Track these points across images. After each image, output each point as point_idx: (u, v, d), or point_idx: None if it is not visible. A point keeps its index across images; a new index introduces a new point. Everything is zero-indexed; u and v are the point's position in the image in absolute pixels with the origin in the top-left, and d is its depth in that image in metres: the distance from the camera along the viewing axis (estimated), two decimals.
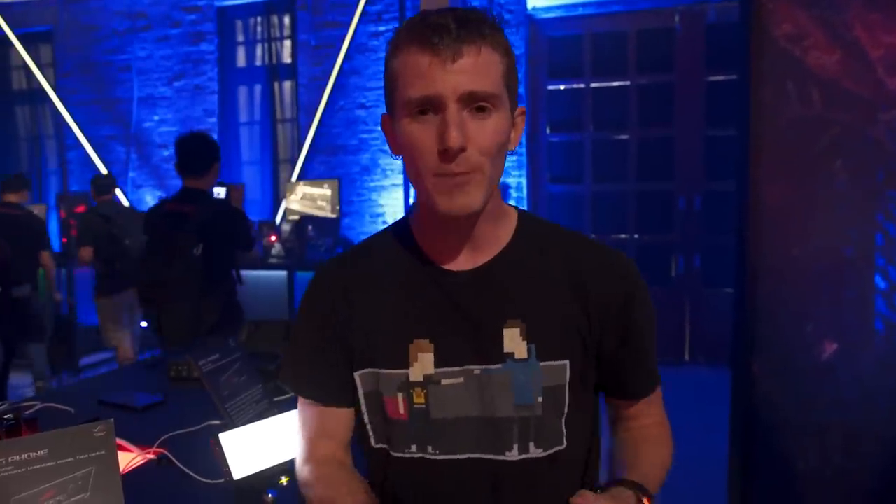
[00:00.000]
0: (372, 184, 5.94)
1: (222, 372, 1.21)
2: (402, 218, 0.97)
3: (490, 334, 0.86)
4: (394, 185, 5.97)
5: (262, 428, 1.10)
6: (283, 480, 1.07)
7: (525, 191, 5.56)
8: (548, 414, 0.87)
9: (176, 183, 6.47)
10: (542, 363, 0.86)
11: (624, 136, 5.50)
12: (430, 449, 0.87)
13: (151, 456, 1.15)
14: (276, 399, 1.27)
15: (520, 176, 5.55)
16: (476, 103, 0.77)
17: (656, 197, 5.43)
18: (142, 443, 1.18)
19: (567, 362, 0.87)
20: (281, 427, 1.13)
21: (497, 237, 0.89)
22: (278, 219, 5.93)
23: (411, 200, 5.97)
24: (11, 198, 4.46)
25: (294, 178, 5.99)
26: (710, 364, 4.94)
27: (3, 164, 6.78)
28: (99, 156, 6.59)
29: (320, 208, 5.62)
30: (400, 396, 0.88)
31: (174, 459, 1.12)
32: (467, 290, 0.87)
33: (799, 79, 1.94)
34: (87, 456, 0.79)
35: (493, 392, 0.86)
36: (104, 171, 6.51)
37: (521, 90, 5.44)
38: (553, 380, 0.87)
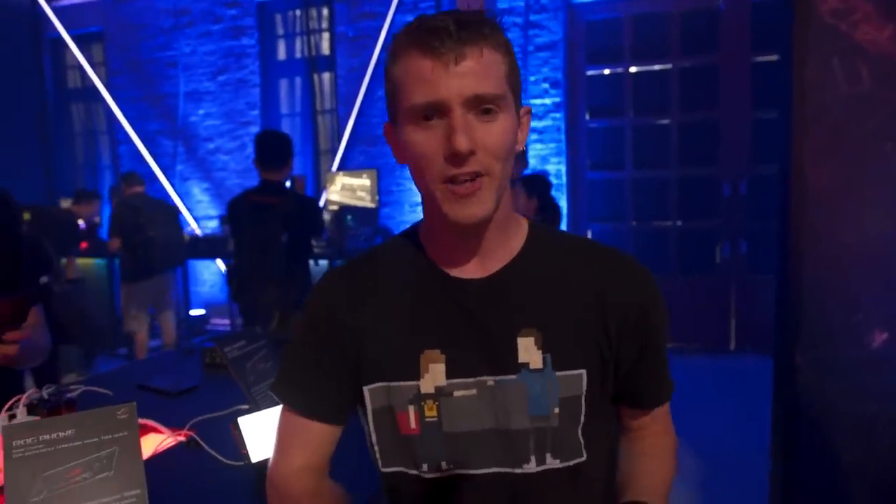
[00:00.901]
0: (409, 179, 5.96)
1: (248, 358, 1.24)
2: (411, 226, 0.94)
3: (504, 344, 0.83)
4: None
5: (279, 412, 1.12)
6: None
7: (564, 178, 5.49)
8: (565, 425, 0.84)
9: (220, 175, 6.66)
10: (559, 373, 0.83)
11: (665, 121, 5.36)
12: (443, 465, 0.85)
13: (182, 438, 1.19)
14: None
15: (559, 163, 5.48)
16: (481, 106, 0.75)
17: (699, 182, 5.28)
18: (174, 425, 1.22)
19: (584, 371, 0.84)
20: None
21: (509, 245, 0.87)
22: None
23: None
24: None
25: (334, 168, 6.06)
26: (756, 353, 4.80)
27: (61, 159, 7.07)
28: (148, 150, 6.80)
29: (360, 198, 5.68)
30: (411, 409, 0.85)
31: (201, 442, 1.16)
32: (479, 298, 0.84)
33: (846, 55, 1.85)
34: (111, 436, 0.82)
35: (507, 403, 0.83)
36: (153, 164, 6.73)
37: (560, 76, 5.37)
38: (570, 390, 0.84)
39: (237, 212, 3.33)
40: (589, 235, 5.76)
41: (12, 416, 1.10)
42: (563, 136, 5.45)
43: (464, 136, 0.73)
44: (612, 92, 5.51)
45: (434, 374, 0.84)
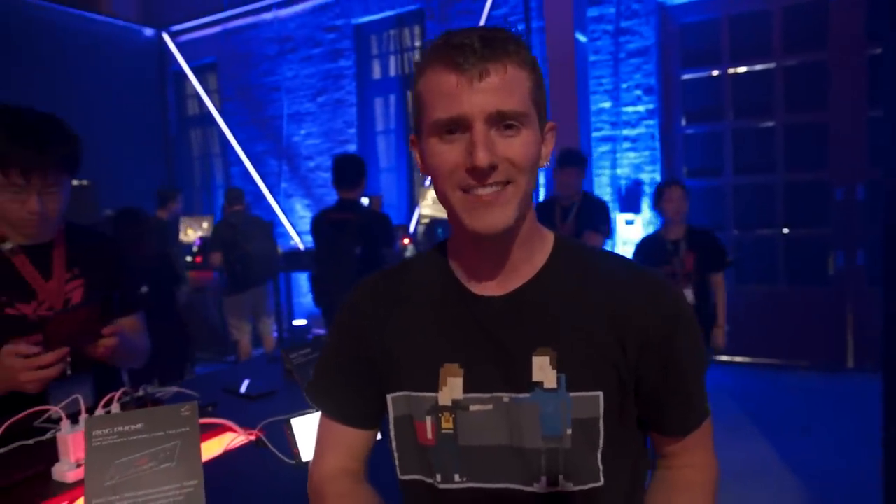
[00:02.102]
0: None
1: (312, 364, 1.32)
2: (442, 241, 0.95)
3: (519, 362, 0.83)
4: None
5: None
6: None
7: None
8: (579, 447, 0.82)
9: (320, 192, 7.00)
10: (573, 394, 0.81)
11: (769, 124, 5.06)
12: (456, 477, 0.85)
13: (252, 437, 1.28)
14: None
15: (653, 171, 5.31)
16: (504, 122, 0.76)
17: (808, 188, 4.94)
18: (247, 426, 1.32)
19: (600, 394, 0.82)
20: None
21: (532, 262, 0.86)
22: (413, 223, 6.18)
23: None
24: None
25: (427, 183, 6.21)
26: (877, 371, 4.39)
27: (181, 181, 7.73)
28: (256, 170, 7.30)
29: None
30: (429, 420, 0.86)
31: (267, 442, 1.24)
32: (498, 315, 0.85)
33: None
34: (175, 431, 0.91)
35: (521, 421, 0.82)
36: (261, 183, 7.20)
37: (653, 81, 5.22)
38: (585, 412, 0.82)
39: (318, 227, 3.75)
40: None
41: (108, 411, 1.25)
42: (657, 144, 5.28)
43: (485, 151, 0.74)
44: (709, 95, 5.28)
45: (452, 388, 0.85)
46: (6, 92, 1.42)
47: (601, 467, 0.83)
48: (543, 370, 0.82)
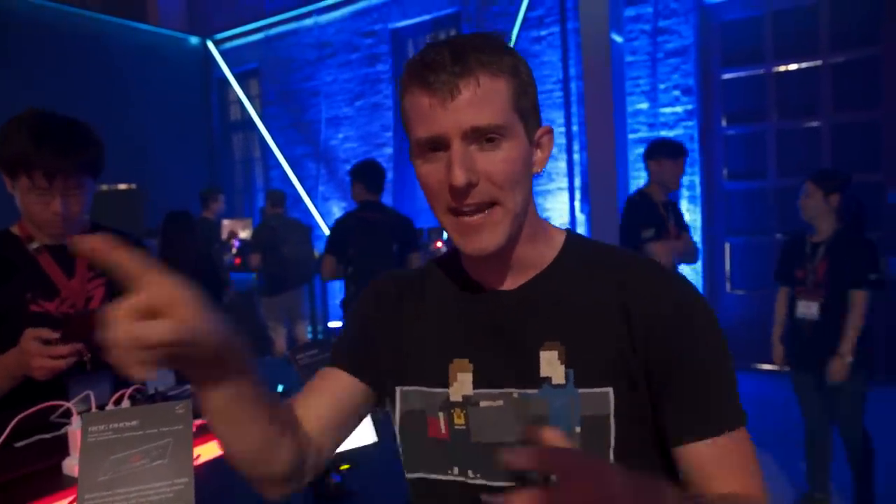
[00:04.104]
0: (538, 188, 5.94)
1: (319, 366, 1.32)
2: (455, 246, 0.95)
3: (528, 357, 0.81)
4: (559, 188, 5.92)
5: None
6: (344, 467, 1.14)
7: (699, 189, 5.17)
8: (588, 446, 0.79)
9: None
10: (581, 390, 0.79)
11: (814, 124, 4.87)
12: (470, 473, 0.85)
13: None
14: None
15: (692, 174, 5.18)
16: (483, 137, 0.75)
17: (858, 190, 4.72)
18: None
19: (610, 390, 0.79)
20: None
21: (540, 257, 0.85)
22: None
23: (577, 204, 5.87)
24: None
25: None
26: None
27: (224, 185, 7.92)
28: (295, 173, 7.43)
29: None
30: (441, 416, 0.86)
31: None
32: (506, 310, 0.84)
33: None
34: (168, 429, 0.93)
35: (531, 418, 0.81)
36: (299, 186, 7.32)
37: (691, 82, 5.09)
38: (594, 409, 0.79)
39: (348, 227, 3.80)
40: (727, 250, 5.37)
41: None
42: (696, 146, 5.15)
43: (461, 170, 0.73)
44: (751, 95, 5.12)
45: (462, 383, 0.85)
46: (58, 101, 1.49)
47: None
48: (552, 365, 0.80)
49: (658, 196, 3.37)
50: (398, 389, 0.90)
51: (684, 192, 5.22)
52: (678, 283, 0.83)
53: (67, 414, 1.29)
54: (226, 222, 6.45)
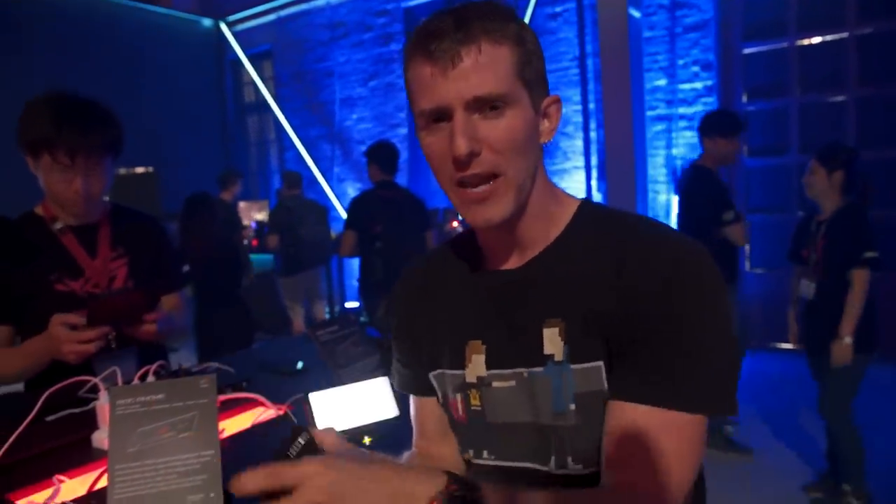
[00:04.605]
0: (553, 167, 5.90)
1: (339, 342, 1.33)
2: None
3: (532, 335, 0.80)
4: (575, 167, 5.86)
5: (349, 391, 1.19)
6: (367, 440, 1.14)
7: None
8: (584, 425, 0.76)
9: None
10: (574, 366, 0.77)
11: (840, 98, 4.77)
12: (485, 454, 0.86)
13: (281, 412, 1.31)
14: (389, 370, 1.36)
15: None
16: (486, 105, 0.73)
17: (885, 165, 4.63)
18: (278, 401, 1.34)
19: (601, 364, 0.75)
20: (366, 391, 1.21)
21: (547, 233, 0.83)
22: None
23: (594, 182, 5.82)
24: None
25: None
26: None
27: (238, 167, 7.93)
28: (309, 154, 7.43)
29: None
30: (458, 397, 0.87)
31: (293, 417, 1.26)
32: (511, 288, 0.83)
33: None
34: (194, 402, 0.93)
35: (537, 397, 0.80)
36: (314, 167, 7.33)
37: (711, 57, 4.99)
38: (587, 385, 0.76)
39: (369, 205, 3.87)
40: (749, 227, 5.28)
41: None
42: None
43: (463, 139, 0.72)
44: (773, 70, 5.01)
45: (476, 365, 0.85)
46: (72, 85, 1.50)
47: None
48: (553, 342, 0.79)
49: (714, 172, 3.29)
50: (431, 377, 0.92)
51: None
52: (677, 247, 0.75)
53: (95, 389, 1.31)
54: (242, 205, 6.49)
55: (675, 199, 5.25)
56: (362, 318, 3.85)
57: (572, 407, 0.78)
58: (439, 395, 0.92)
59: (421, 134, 0.78)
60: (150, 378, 1.24)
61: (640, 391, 0.72)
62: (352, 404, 1.17)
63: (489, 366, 0.84)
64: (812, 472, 3.01)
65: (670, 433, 0.71)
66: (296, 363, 1.70)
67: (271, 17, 7.65)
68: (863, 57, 4.65)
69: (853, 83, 4.70)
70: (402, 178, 6.80)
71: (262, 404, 1.35)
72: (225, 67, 8.24)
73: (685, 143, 5.17)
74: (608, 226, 0.82)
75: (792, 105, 4.96)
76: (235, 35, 7.96)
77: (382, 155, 3.87)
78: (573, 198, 0.88)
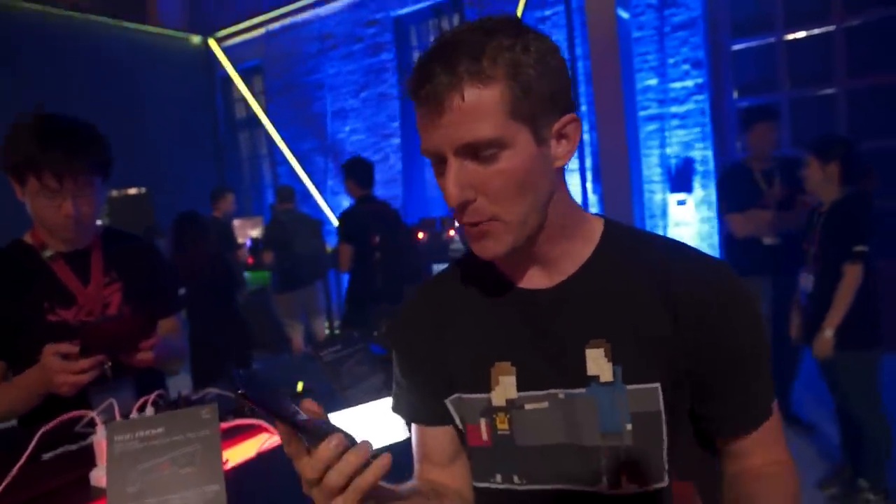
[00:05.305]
0: None
1: (344, 361, 1.29)
2: None
3: (572, 355, 0.79)
4: (570, 169, 5.84)
5: (356, 414, 1.16)
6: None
7: (712, 164, 5.09)
8: (640, 444, 0.77)
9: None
10: (630, 386, 0.77)
11: (830, 91, 4.77)
12: (515, 479, 0.83)
13: None
14: None
15: (705, 149, 5.09)
16: (477, 151, 0.70)
17: (880, 157, 4.62)
18: None
19: (658, 385, 0.77)
20: (374, 413, 1.18)
21: (577, 252, 0.82)
22: None
23: (589, 185, 5.80)
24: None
25: None
26: None
27: (231, 183, 7.89)
28: (302, 168, 7.39)
29: None
30: (483, 422, 0.84)
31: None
32: (547, 309, 0.81)
33: None
34: (195, 434, 0.90)
35: (578, 418, 0.79)
36: (307, 181, 7.29)
37: (701, 55, 4.99)
38: (643, 405, 0.77)
39: (356, 220, 3.95)
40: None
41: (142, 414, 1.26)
42: (707, 120, 5.06)
43: (455, 189, 0.71)
44: (762, 65, 5.02)
45: (505, 387, 0.82)
46: (62, 107, 1.46)
47: (667, 467, 0.77)
48: (598, 363, 0.78)
49: (757, 165, 3.27)
50: (447, 402, 0.88)
51: (698, 167, 5.14)
52: (721, 272, 0.79)
53: (92, 423, 1.27)
54: (237, 222, 6.44)
55: (670, 198, 5.24)
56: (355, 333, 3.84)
57: (629, 427, 0.77)
58: (457, 420, 0.89)
59: (434, 171, 0.77)
60: (149, 409, 1.20)
61: (739, 425, 0.81)
62: (360, 427, 1.14)
63: (521, 387, 0.81)
64: (825, 468, 2.97)
65: (770, 432, 0.82)
66: (296, 384, 1.66)
67: (260, 31, 7.63)
68: (851, 49, 4.65)
69: (842, 76, 4.70)
70: (396, 188, 6.79)
71: (266, 430, 1.31)
72: (215, 84, 8.22)
73: (678, 142, 5.16)
74: (641, 246, 0.83)
75: (782, 100, 4.96)
76: (225, 51, 7.95)
77: (358, 170, 3.95)
78: (595, 215, 0.87)
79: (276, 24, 7.46)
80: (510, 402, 0.82)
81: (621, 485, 0.77)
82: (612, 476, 0.78)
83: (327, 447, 0.62)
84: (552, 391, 0.80)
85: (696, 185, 5.15)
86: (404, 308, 0.95)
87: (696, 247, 0.83)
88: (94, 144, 1.43)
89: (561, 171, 0.79)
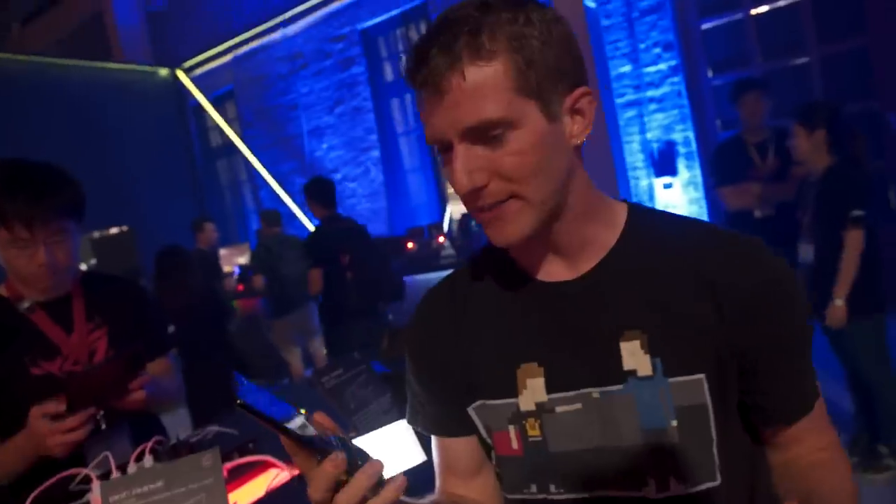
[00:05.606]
0: None
1: (347, 385, 1.23)
2: None
3: (606, 350, 0.73)
4: None
5: (367, 441, 1.10)
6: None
7: (694, 144, 5.08)
8: (687, 441, 0.71)
9: (350, 203, 6.97)
10: (672, 379, 0.71)
11: (803, 60, 4.77)
12: (552, 488, 0.76)
13: (296, 472, 1.21)
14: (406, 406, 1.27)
15: (685, 130, 5.08)
16: (484, 133, 0.66)
17: (856, 120, 4.63)
18: (290, 459, 1.24)
19: (703, 376, 0.71)
20: (387, 438, 1.12)
21: (600, 239, 0.75)
22: (446, 221, 6.09)
23: None
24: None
25: None
26: None
27: (213, 212, 7.79)
28: (284, 190, 7.32)
29: None
30: (512, 429, 0.77)
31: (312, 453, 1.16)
32: (573, 302, 0.75)
33: None
34: (197, 485, 0.84)
35: (616, 417, 0.73)
36: (290, 202, 7.22)
37: (671, 37, 4.99)
38: (688, 398, 0.71)
39: (329, 240, 3.91)
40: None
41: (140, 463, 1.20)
42: (685, 101, 5.05)
43: (463, 175, 0.66)
44: (733, 42, 5.02)
45: (533, 390, 0.76)
46: (34, 153, 1.40)
47: (718, 464, 0.72)
48: (635, 356, 0.71)
49: (751, 137, 3.25)
50: (470, 411, 0.81)
51: (680, 149, 5.13)
52: (763, 252, 0.74)
53: (88, 479, 1.20)
54: (223, 251, 6.35)
55: (656, 182, 5.22)
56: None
57: (674, 423, 0.71)
58: (481, 429, 0.82)
59: (440, 157, 0.72)
60: (147, 457, 1.14)
61: (790, 412, 0.76)
62: (373, 455, 1.08)
63: (550, 389, 0.75)
64: (842, 439, 2.94)
65: (819, 417, 0.78)
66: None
67: (227, 57, 7.57)
68: (818, 17, 4.66)
69: (813, 44, 4.71)
70: (380, 202, 6.74)
71: (274, 466, 1.25)
72: (187, 114, 8.13)
73: (658, 126, 5.14)
74: (671, 228, 0.77)
75: (756, 73, 4.95)
76: (194, 80, 7.87)
77: (319, 191, 3.91)
78: (617, 200, 0.81)
79: (244, 49, 7.40)
80: (540, 405, 0.75)
81: (669, 487, 0.71)
82: (658, 478, 0.71)
83: (333, 466, 0.58)
84: (585, 391, 0.73)
85: (681, 167, 5.14)
86: (417, 312, 0.87)
87: (728, 230, 0.76)
88: (64, 188, 1.37)
89: (578, 151, 0.73)
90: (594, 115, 0.72)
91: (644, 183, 5.32)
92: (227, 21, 7.43)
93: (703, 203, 5.09)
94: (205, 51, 7.58)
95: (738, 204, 3.26)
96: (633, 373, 0.71)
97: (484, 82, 0.64)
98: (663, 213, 0.80)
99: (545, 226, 0.71)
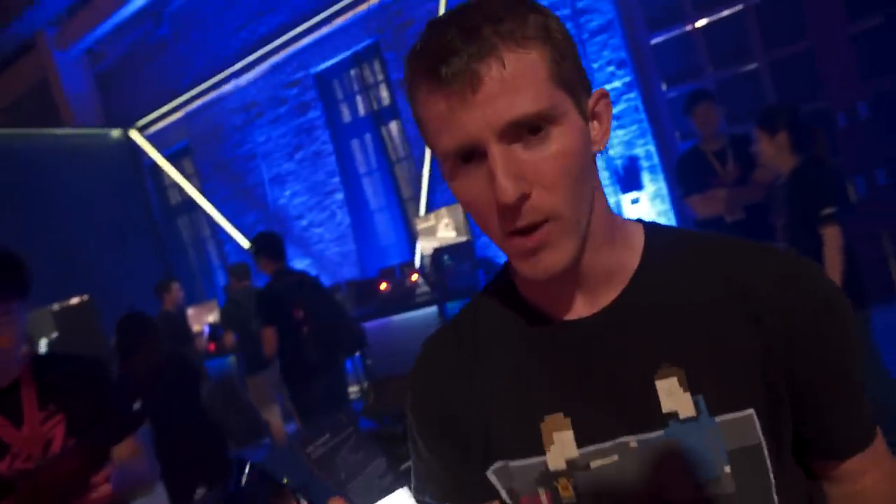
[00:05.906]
0: None
1: (335, 452, 1.12)
2: (502, 267, 0.76)
3: (639, 392, 0.64)
4: None
5: None
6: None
7: (657, 157, 5.12)
8: (745, 488, 0.62)
9: (318, 249, 6.83)
10: (719, 418, 0.62)
11: (752, 66, 4.88)
12: None
13: None
14: (402, 468, 1.16)
15: (646, 143, 5.12)
16: (525, 130, 0.58)
17: (810, 120, 4.73)
18: None
19: (752, 411, 0.62)
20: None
21: (621, 266, 0.68)
22: (417, 257, 6.00)
23: None
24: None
25: (421, 212, 6.05)
26: None
27: (177, 272, 7.57)
28: (249, 241, 7.15)
29: (451, 237, 5.60)
30: (542, 492, 0.68)
31: None
32: (596, 339, 0.67)
33: None
34: None
35: (660, 468, 0.64)
36: None
37: (623, 54, 5.06)
38: (740, 439, 0.62)
39: (281, 294, 3.78)
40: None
41: None
42: (643, 115, 5.10)
43: (507, 181, 0.57)
44: (684, 54, 5.12)
45: (562, 445, 0.66)
46: None
47: None
48: (673, 395, 0.63)
49: (708, 146, 3.30)
50: (490, 474, 0.71)
51: (643, 164, 5.16)
52: (809, 266, 0.67)
53: None
54: (190, 311, 6.14)
55: (623, 198, 5.23)
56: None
57: (727, 469, 0.62)
58: (503, 494, 0.72)
59: (449, 175, 0.62)
60: None
61: (854, 443, 0.69)
62: None
63: (581, 443, 0.66)
64: None
65: (879, 446, 0.71)
66: (281, 480, 1.47)
67: (180, 113, 7.45)
68: (762, 23, 4.78)
69: (760, 50, 4.82)
70: (349, 245, 6.62)
71: None
72: (143, 173, 7.95)
73: (619, 143, 5.17)
74: (697, 248, 0.68)
75: (709, 83, 5.05)
76: (148, 139, 7.72)
77: (267, 245, 3.84)
78: (630, 220, 0.73)
79: (197, 103, 7.29)
80: (571, 462, 0.66)
81: None
82: None
83: None
84: (621, 440, 0.65)
85: (646, 180, 5.16)
86: (419, 365, 0.78)
87: (760, 242, 0.68)
88: (3, 266, 1.25)
89: (595, 163, 0.66)
90: (611, 120, 0.66)
91: (612, 200, 5.33)
92: (177, 77, 7.34)
93: (671, 214, 5.11)
94: (157, 108, 7.45)
95: (707, 211, 3.28)
96: (673, 415, 0.63)
97: (527, 67, 0.57)
98: (684, 231, 0.72)
99: (575, 262, 0.63)
